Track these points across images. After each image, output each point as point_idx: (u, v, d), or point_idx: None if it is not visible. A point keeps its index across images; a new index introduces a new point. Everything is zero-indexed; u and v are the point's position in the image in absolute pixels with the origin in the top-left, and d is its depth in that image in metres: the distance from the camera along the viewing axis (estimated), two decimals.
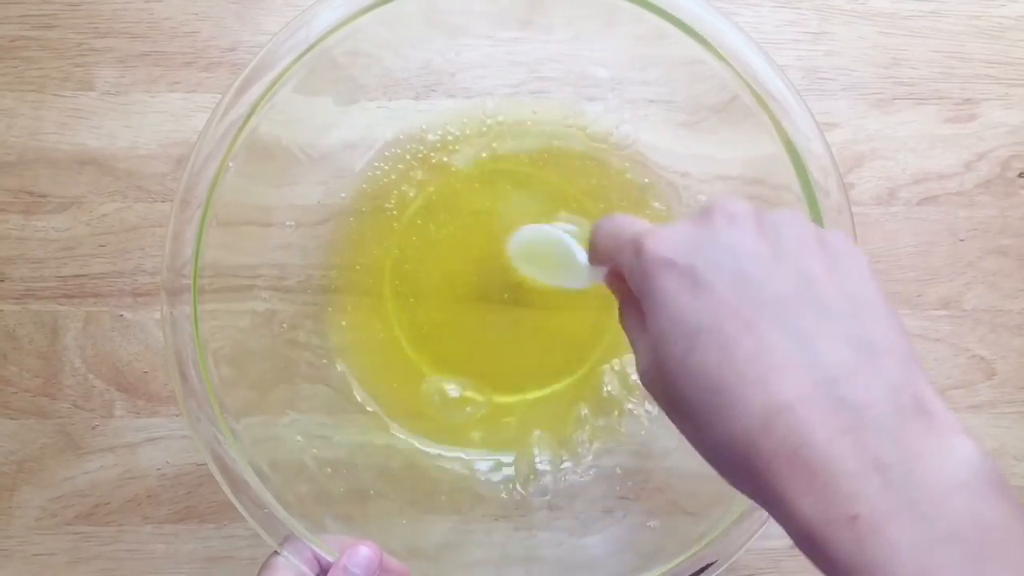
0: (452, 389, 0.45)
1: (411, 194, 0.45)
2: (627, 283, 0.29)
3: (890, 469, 0.20)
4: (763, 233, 0.25)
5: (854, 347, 0.23)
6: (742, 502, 0.36)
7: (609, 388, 0.45)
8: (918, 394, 0.22)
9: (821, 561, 0.21)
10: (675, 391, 0.24)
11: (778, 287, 0.24)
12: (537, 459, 0.45)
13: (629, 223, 0.29)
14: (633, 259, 0.26)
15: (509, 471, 0.46)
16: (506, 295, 0.45)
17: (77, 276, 0.46)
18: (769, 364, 0.23)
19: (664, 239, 0.26)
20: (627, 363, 0.45)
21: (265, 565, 0.34)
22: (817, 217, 0.38)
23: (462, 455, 0.45)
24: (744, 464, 0.23)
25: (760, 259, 0.25)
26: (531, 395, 0.45)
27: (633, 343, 0.28)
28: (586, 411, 0.45)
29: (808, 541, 0.21)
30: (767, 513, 0.23)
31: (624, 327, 0.30)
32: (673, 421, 0.26)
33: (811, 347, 0.23)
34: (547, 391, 0.45)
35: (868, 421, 0.21)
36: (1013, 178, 0.49)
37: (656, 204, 0.46)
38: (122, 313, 0.46)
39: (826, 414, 0.21)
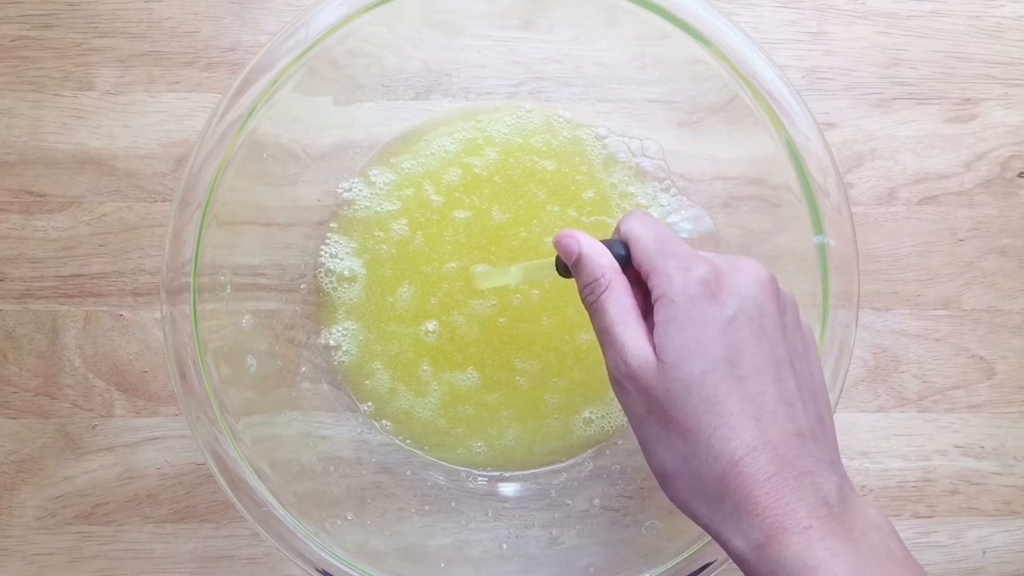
0: (455, 382, 0.45)
1: (410, 192, 0.45)
2: (628, 274, 0.33)
3: (834, 506, 0.29)
4: (778, 303, 0.31)
5: (815, 419, 0.31)
6: None
7: None
8: (841, 465, 0.31)
9: (767, 561, 0.28)
10: (675, 398, 0.30)
11: (780, 351, 0.31)
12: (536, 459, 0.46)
13: (670, 235, 0.33)
14: (678, 272, 0.31)
15: (509, 471, 0.46)
16: (504, 291, 0.45)
17: (77, 276, 0.46)
18: (764, 408, 0.30)
19: (714, 273, 0.31)
20: None
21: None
22: (817, 217, 0.38)
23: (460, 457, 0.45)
24: (718, 478, 0.29)
25: (776, 324, 0.31)
26: (534, 392, 0.45)
27: (619, 331, 0.31)
28: (589, 412, 0.45)
29: (763, 543, 0.28)
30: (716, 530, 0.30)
31: (605, 310, 0.32)
32: (647, 418, 0.31)
33: (794, 408, 0.30)
34: (550, 389, 0.45)
35: (822, 470, 0.29)
36: (1013, 178, 0.49)
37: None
38: (122, 313, 0.46)
39: (799, 457, 0.29)
